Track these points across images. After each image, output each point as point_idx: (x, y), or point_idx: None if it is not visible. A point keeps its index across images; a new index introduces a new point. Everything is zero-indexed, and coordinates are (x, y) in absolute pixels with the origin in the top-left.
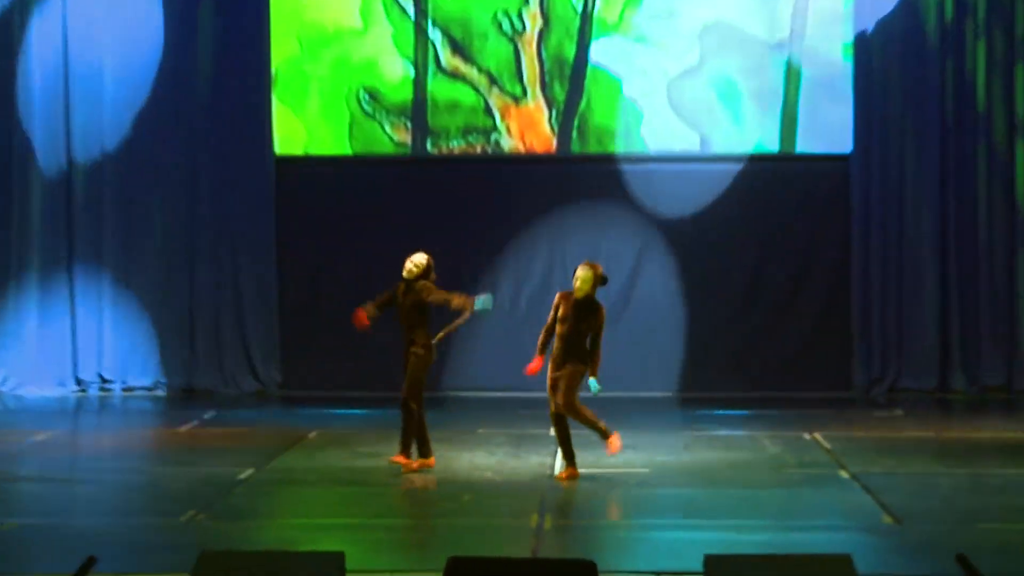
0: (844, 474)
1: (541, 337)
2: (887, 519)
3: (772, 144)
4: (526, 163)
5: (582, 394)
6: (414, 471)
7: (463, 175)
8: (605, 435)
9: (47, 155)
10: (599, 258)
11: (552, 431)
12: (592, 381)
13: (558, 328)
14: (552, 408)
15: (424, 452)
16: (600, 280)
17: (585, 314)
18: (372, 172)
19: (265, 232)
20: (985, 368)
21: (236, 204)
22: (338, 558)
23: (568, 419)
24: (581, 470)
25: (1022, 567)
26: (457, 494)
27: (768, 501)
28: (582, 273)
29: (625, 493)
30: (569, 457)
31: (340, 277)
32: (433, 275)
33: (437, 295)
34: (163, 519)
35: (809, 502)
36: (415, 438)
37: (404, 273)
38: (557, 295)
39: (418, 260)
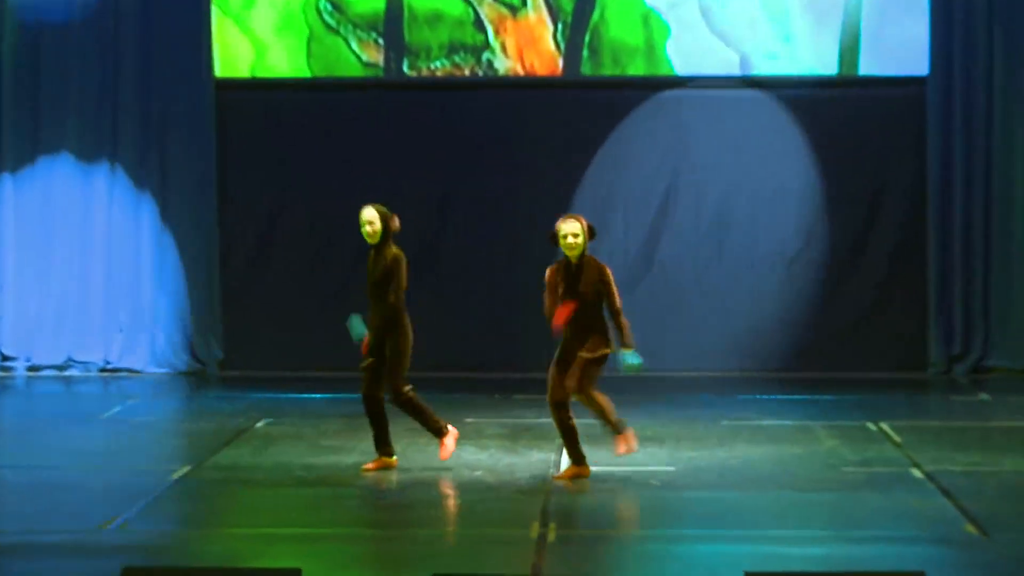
0: (917, 473)
1: (547, 304)
2: (970, 529)
3: (829, 66)
4: (525, 88)
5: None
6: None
7: (447, 103)
8: (618, 430)
9: None
10: (615, 207)
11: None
12: (627, 354)
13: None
14: (552, 395)
15: (386, 450)
16: (590, 233)
17: (588, 277)
18: (336, 99)
19: (203, 174)
20: None
21: (167, 139)
22: (294, 575)
23: (569, 408)
24: (593, 468)
25: None
26: (441, 498)
27: (822, 506)
28: (570, 227)
29: (646, 497)
30: (576, 454)
31: (296, 230)
32: (395, 224)
33: (399, 279)
34: (78, 527)
35: (873, 507)
36: (376, 431)
37: (366, 238)
38: (548, 272)
39: (369, 216)
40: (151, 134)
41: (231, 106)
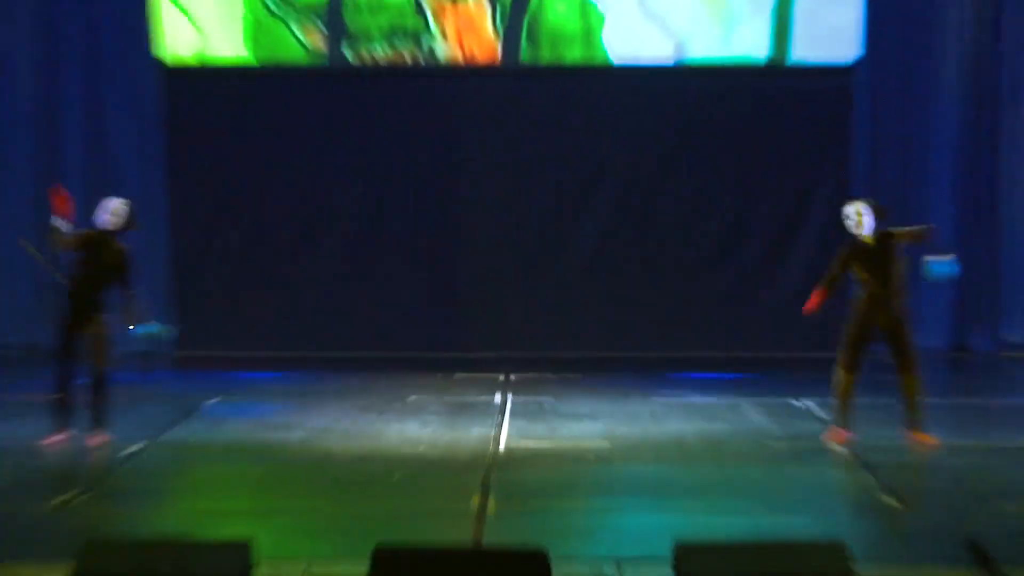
0: (840, 448)
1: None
2: (889, 500)
3: (762, 52)
4: (464, 76)
5: None
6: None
7: (388, 90)
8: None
9: None
10: (549, 191)
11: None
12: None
13: (869, 278)
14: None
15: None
16: (878, 211)
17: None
18: (278, 85)
19: (152, 162)
20: (1007, 325)
21: (114, 128)
22: (244, 547)
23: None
24: (530, 442)
25: None
26: (385, 472)
27: (749, 479)
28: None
29: (582, 471)
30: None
31: (244, 213)
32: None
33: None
34: (35, 502)
35: (797, 480)
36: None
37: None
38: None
39: (117, 208)
40: (101, 121)
41: (177, 92)
